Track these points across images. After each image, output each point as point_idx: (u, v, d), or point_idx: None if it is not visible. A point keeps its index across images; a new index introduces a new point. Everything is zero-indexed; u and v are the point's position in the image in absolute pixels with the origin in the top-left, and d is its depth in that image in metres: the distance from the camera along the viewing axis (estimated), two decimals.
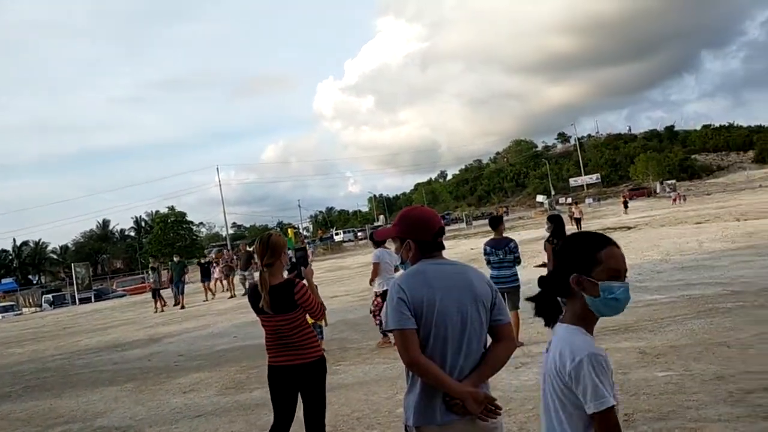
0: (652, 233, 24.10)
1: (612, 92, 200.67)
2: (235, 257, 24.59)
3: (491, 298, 2.52)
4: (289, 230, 25.05)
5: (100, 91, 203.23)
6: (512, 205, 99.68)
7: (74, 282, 43.21)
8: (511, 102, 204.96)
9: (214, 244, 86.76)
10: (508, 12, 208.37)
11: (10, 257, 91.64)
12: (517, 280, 7.84)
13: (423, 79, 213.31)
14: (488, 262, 7.92)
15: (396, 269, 8.82)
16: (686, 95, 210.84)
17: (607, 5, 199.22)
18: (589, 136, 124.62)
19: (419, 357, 2.37)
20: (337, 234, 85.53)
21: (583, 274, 1.92)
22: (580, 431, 1.87)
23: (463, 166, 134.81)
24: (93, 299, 39.62)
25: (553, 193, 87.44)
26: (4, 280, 74.80)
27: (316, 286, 4.73)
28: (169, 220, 77.91)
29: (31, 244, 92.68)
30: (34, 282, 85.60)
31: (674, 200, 54.69)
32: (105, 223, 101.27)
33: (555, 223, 7.95)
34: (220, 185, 73.47)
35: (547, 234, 7.99)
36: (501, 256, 7.78)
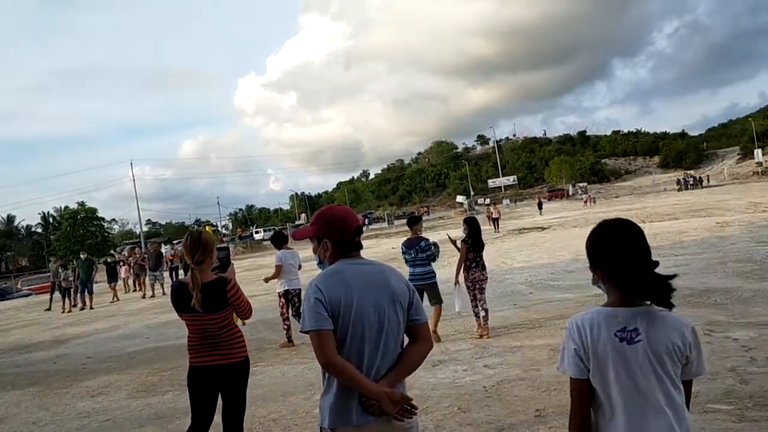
0: (564, 234, 25.08)
1: (529, 97, 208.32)
2: (145, 256, 23.30)
3: (409, 297, 2.52)
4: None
5: (1, 80, 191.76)
6: (433, 205, 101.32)
7: None
8: (433, 103, 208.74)
9: (127, 241, 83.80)
10: (431, 15, 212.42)
11: None
12: (433, 276, 8.24)
13: (346, 77, 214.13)
14: (405, 261, 8.31)
15: (300, 268, 9.23)
16: (598, 102, 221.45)
17: (523, 12, 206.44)
18: (507, 139, 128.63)
19: (335, 358, 2.34)
20: (257, 232, 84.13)
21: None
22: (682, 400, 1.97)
23: (386, 166, 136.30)
24: None
25: (472, 193, 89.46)
26: None
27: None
28: (78, 217, 75.13)
29: None
30: None
31: (585, 202, 57.03)
32: (10, 219, 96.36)
33: (470, 225, 8.40)
34: (134, 180, 71.15)
35: (464, 235, 8.36)
36: (413, 255, 8.15)
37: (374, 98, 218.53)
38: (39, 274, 60.04)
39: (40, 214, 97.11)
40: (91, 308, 19.47)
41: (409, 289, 2.55)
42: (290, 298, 8.96)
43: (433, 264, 8.28)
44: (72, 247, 63.31)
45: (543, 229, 29.94)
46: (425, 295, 8.00)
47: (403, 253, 8.32)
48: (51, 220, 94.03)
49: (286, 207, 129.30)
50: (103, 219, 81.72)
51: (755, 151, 76.37)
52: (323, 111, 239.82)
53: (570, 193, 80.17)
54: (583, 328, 1.96)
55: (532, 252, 19.17)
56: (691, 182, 66.74)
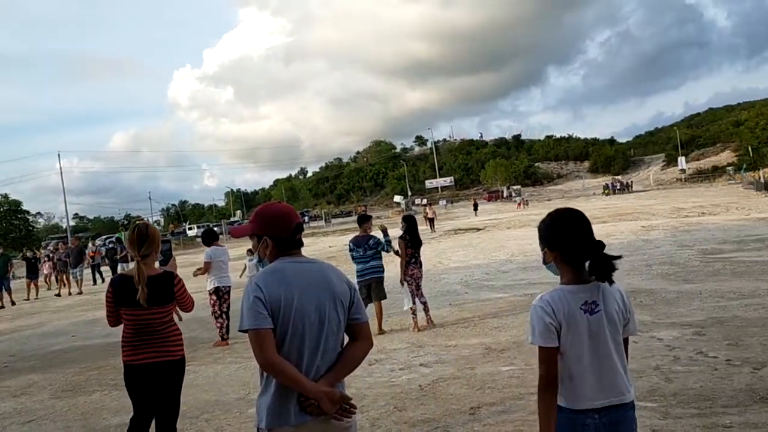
0: (498, 235, 25.59)
1: (466, 100, 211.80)
2: (68, 251, 22.08)
3: (350, 296, 2.51)
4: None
5: None
6: (371, 204, 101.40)
7: None
8: (372, 103, 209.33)
9: (52, 236, 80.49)
10: (372, 15, 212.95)
11: None
12: (381, 272, 8.51)
13: (286, 74, 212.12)
14: (353, 258, 8.52)
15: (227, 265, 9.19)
16: (532, 107, 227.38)
17: (463, 17, 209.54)
18: (445, 140, 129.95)
19: (274, 357, 2.31)
20: (190, 229, 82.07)
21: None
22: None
23: (324, 164, 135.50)
24: None
25: (410, 193, 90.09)
26: None
27: None
28: (1, 210, 71.69)
29: None
30: None
31: (519, 204, 58.36)
32: None
33: (408, 222, 8.78)
34: (61, 173, 68.06)
35: (401, 232, 8.68)
36: (362, 252, 8.40)
37: (314, 96, 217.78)
38: None
39: None
40: (13, 304, 18.57)
41: (350, 287, 2.54)
42: (221, 295, 8.84)
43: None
44: None
45: (478, 230, 30.47)
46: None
47: (351, 250, 8.54)
48: None
49: (221, 203, 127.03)
50: (27, 212, 79.00)
51: (679, 159, 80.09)
52: (262, 107, 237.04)
53: (504, 195, 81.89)
54: (554, 303, 2.22)
55: (468, 252, 19.47)
56: (619, 187, 69.44)
